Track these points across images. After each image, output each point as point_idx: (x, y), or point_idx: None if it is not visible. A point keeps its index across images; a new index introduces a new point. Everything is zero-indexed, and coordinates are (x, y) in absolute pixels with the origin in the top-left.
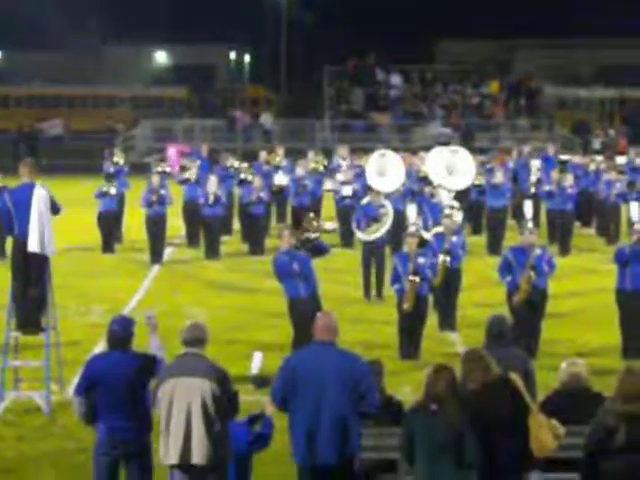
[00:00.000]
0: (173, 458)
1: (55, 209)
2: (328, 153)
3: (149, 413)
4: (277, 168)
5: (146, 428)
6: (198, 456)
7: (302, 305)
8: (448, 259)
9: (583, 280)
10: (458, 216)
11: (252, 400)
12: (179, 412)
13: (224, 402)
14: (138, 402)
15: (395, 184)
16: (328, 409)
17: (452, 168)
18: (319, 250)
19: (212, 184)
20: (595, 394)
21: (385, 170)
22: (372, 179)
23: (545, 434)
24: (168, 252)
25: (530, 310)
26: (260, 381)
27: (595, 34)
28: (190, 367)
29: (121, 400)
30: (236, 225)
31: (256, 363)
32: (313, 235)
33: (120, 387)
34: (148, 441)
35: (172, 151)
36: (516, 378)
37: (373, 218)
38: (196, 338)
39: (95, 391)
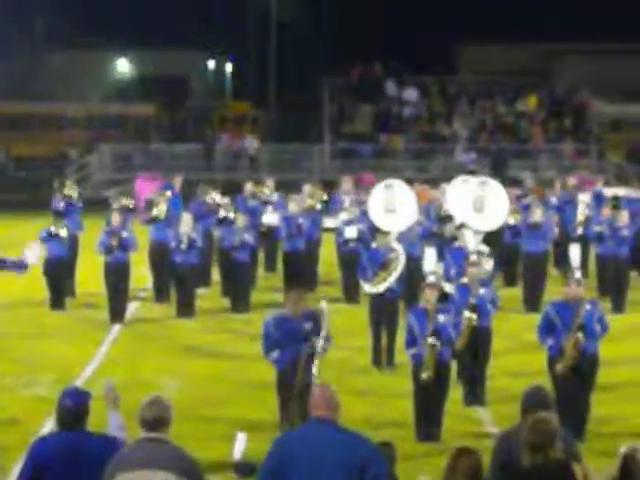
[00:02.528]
0: None
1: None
2: (328, 185)
3: None
4: (266, 204)
5: None
6: None
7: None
8: (475, 317)
9: None
10: (487, 264)
11: None
12: None
13: None
14: None
15: (406, 222)
16: None
17: (480, 204)
18: None
19: (186, 224)
20: None
21: (393, 205)
22: (377, 217)
23: None
24: (131, 309)
25: (577, 381)
26: (244, 468)
27: None
28: (151, 457)
29: None
30: (215, 275)
31: (239, 446)
32: None
33: (73, 477)
34: None
35: (142, 185)
36: (580, 471)
37: (380, 265)
38: (158, 418)
39: None
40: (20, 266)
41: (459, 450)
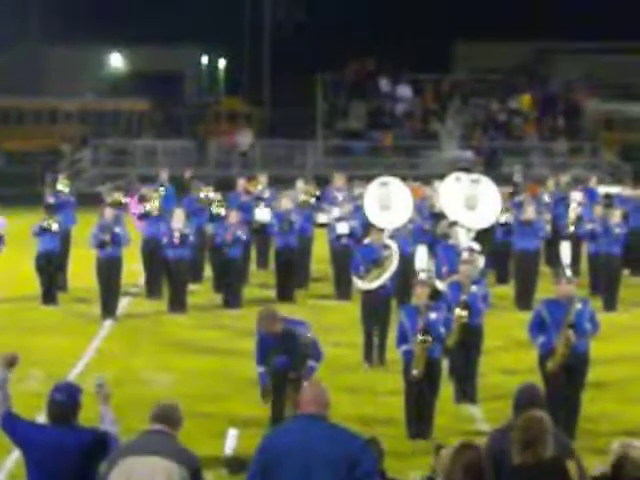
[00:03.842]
0: None
1: None
2: (321, 182)
3: None
4: (258, 200)
5: None
6: None
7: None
8: (466, 314)
9: (633, 342)
10: (479, 261)
11: None
12: None
13: None
14: None
15: (401, 220)
16: None
17: (472, 201)
18: None
19: (178, 219)
20: None
21: (388, 202)
22: (372, 214)
23: None
24: (123, 304)
25: (568, 378)
26: (235, 464)
27: None
28: (156, 446)
29: None
30: (207, 271)
31: (230, 443)
32: None
33: (63, 470)
34: None
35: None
36: (573, 467)
37: (374, 262)
38: (168, 417)
39: (28, 468)
40: None
41: (460, 445)
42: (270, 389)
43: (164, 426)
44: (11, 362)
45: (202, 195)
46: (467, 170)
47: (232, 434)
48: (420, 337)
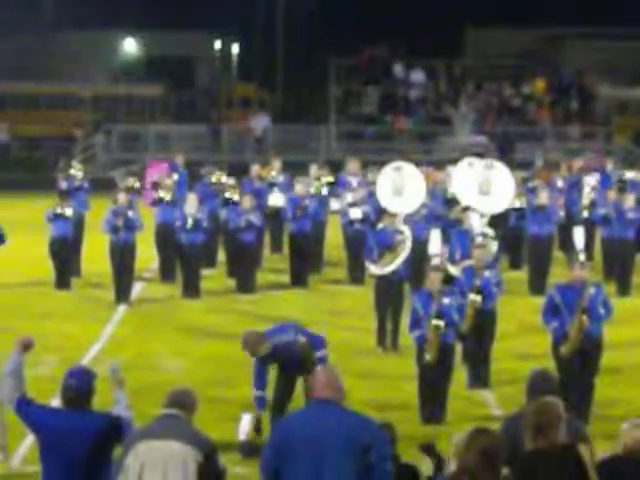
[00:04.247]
0: None
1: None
2: (334, 167)
3: None
4: (272, 185)
5: None
6: None
7: None
8: (479, 299)
9: None
10: (492, 246)
11: (240, 473)
12: None
13: (209, 478)
14: (97, 473)
15: (414, 205)
16: None
17: (486, 186)
18: None
19: (191, 204)
20: None
21: (401, 188)
22: (385, 199)
23: None
24: (137, 289)
25: (581, 363)
26: (249, 448)
27: None
28: (171, 430)
29: (77, 472)
30: (221, 256)
31: (244, 427)
32: None
33: (77, 455)
34: None
35: (152, 169)
36: (586, 452)
37: (387, 247)
38: (183, 402)
39: (42, 453)
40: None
41: (474, 430)
42: (260, 420)
43: (178, 410)
44: (26, 346)
45: (214, 179)
46: (480, 155)
47: (246, 418)
48: (433, 323)
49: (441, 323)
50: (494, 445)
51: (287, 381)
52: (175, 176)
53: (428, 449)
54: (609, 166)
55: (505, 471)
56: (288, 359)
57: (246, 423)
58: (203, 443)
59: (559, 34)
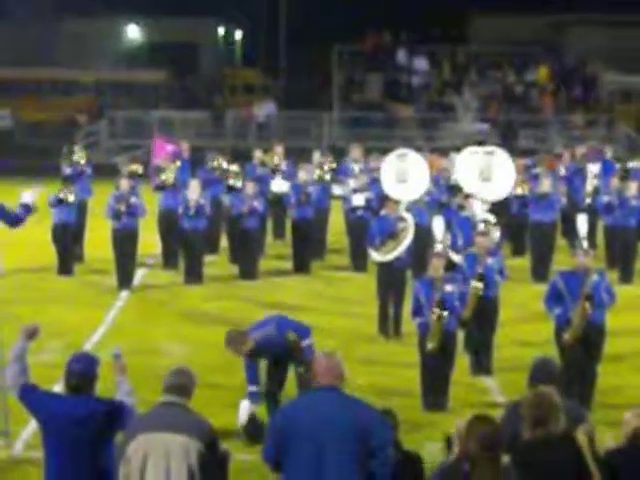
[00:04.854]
0: None
1: (12, 218)
2: (337, 153)
3: (113, 471)
4: (275, 172)
5: None
6: None
7: None
8: (482, 286)
9: None
10: (495, 233)
11: (244, 459)
12: (155, 476)
13: (212, 466)
14: (100, 457)
15: (418, 192)
16: (330, 469)
17: (488, 173)
18: None
19: (194, 190)
20: None
21: (405, 175)
22: (389, 186)
23: None
24: (140, 275)
25: (584, 350)
26: (254, 430)
27: None
28: (171, 420)
29: (80, 456)
30: (223, 242)
31: (243, 414)
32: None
33: (80, 440)
34: None
35: (159, 147)
36: (584, 439)
37: (390, 234)
38: (181, 386)
39: (45, 438)
40: (26, 209)
41: (475, 417)
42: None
43: (177, 397)
44: (32, 334)
45: (216, 164)
46: (483, 143)
47: (244, 406)
48: (436, 311)
49: (444, 313)
50: (494, 433)
51: (278, 370)
52: (177, 162)
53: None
54: (608, 154)
55: (506, 459)
56: (274, 351)
57: (244, 410)
58: (204, 433)
59: (562, 21)
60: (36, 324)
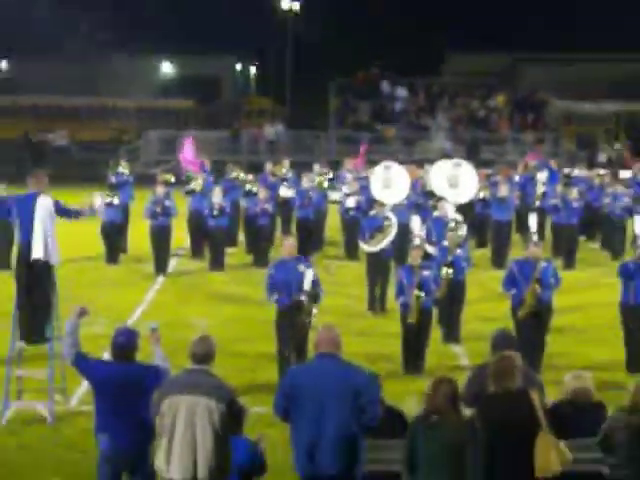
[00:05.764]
0: (176, 473)
1: (70, 213)
2: (333, 165)
3: (151, 423)
4: (282, 180)
5: (148, 438)
6: (204, 472)
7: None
8: (451, 271)
9: (588, 294)
10: (463, 229)
11: (261, 412)
12: (184, 430)
13: (231, 421)
14: (141, 412)
15: (399, 196)
16: (330, 420)
17: (455, 181)
18: None
19: (217, 195)
20: (599, 405)
21: (390, 182)
22: (377, 191)
23: (552, 455)
24: (173, 263)
25: (535, 324)
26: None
27: (603, 48)
28: (196, 385)
29: (125, 410)
30: (241, 237)
31: (309, 278)
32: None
33: (123, 398)
34: (150, 451)
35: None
36: (535, 395)
37: (377, 228)
38: (204, 353)
39: (95, 397)
40: (91, 211)
41: (439, 378)
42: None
43: (203, 364)
44: (81, 313)
45: (235, 174)
46: (448, 157)
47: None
48: (415, 293)
49: (422, 294)
50: (454, 390)
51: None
52: (204, 175)
53: None
54: (554, 165)
55: (469, 412)
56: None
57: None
58: (225, 394)
59: (518, 58)
60: (85, 306)
